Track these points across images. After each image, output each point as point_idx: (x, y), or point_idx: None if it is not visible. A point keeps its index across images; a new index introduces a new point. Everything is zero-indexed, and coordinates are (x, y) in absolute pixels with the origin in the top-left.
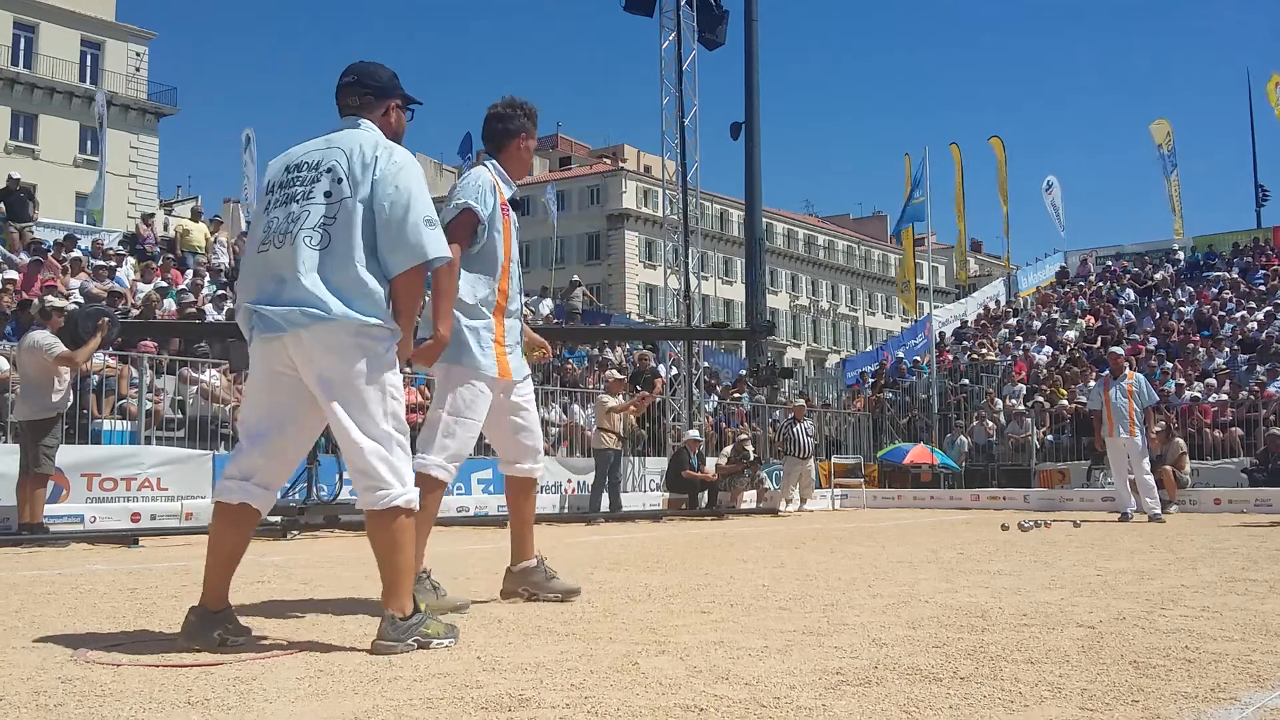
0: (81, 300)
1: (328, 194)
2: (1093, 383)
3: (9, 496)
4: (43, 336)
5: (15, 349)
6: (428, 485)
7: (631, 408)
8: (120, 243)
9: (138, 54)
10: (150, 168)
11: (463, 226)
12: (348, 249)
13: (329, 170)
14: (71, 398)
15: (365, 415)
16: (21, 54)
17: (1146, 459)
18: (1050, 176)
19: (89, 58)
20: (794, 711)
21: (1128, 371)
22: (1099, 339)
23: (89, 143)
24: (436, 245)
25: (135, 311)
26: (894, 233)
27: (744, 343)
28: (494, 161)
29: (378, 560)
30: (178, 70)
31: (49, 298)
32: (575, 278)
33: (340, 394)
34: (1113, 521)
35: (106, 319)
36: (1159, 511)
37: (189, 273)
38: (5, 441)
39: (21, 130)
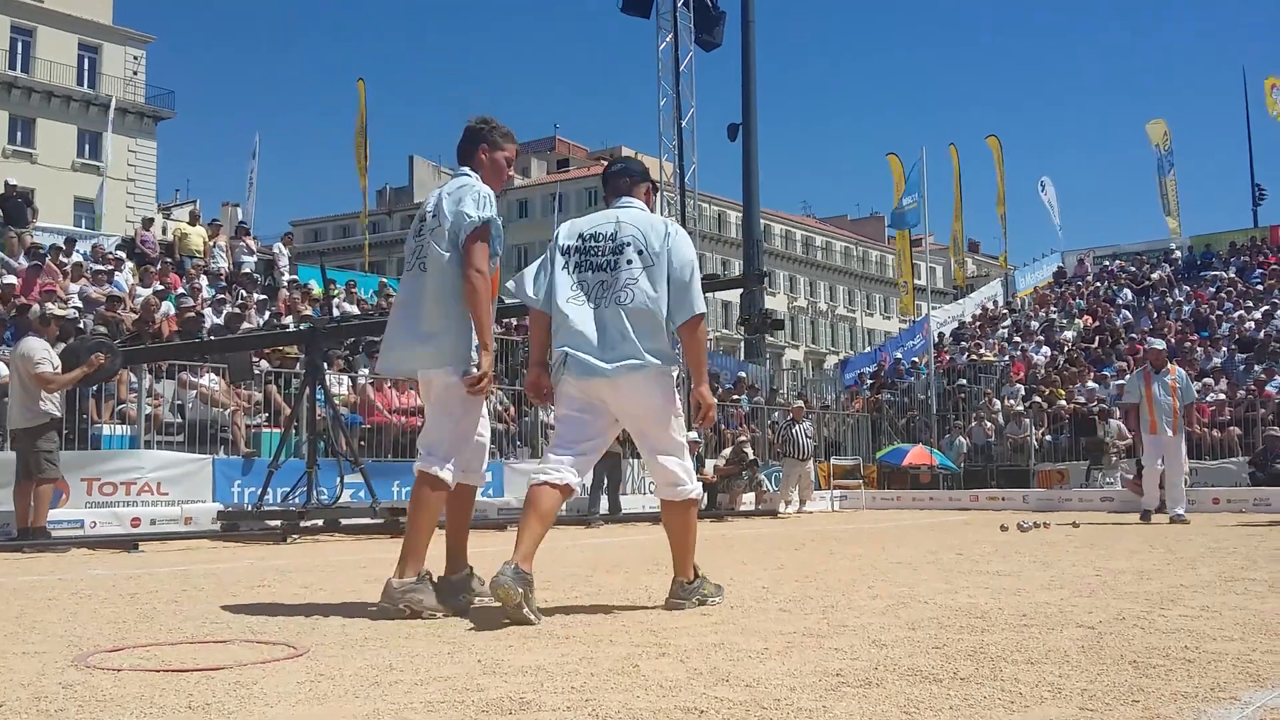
0: (80, 305)
1: (630, 262)
2: (1124, 379)
3: (9, 502)
4: (34, 347)
5: (10, 355)
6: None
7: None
8: (118, 247)
9: (135, 58)
10: (148, 171)
11: (494, 239)
12: (648, 307)
13: (628, 243)
14: (61, 406)
15: (666, 434)
16: (19, 58)
17: (1185, 459)
18: (1044, 176)
19: (87, 61)
20: (794, 713)
21: (1170, 366)
22: (1096, 339)
23: (87, 146)
24: (703, 303)
25: (134, 315)
26: (891, 233)
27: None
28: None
29: (671, 538)
30: (176, 74)
31: (49, 305)
32: None
33: (647, 421)
34: (1112, 523)
35: (103, 354)
36: (1182, 513)
37: (186, 276)
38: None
39: (20, 134)
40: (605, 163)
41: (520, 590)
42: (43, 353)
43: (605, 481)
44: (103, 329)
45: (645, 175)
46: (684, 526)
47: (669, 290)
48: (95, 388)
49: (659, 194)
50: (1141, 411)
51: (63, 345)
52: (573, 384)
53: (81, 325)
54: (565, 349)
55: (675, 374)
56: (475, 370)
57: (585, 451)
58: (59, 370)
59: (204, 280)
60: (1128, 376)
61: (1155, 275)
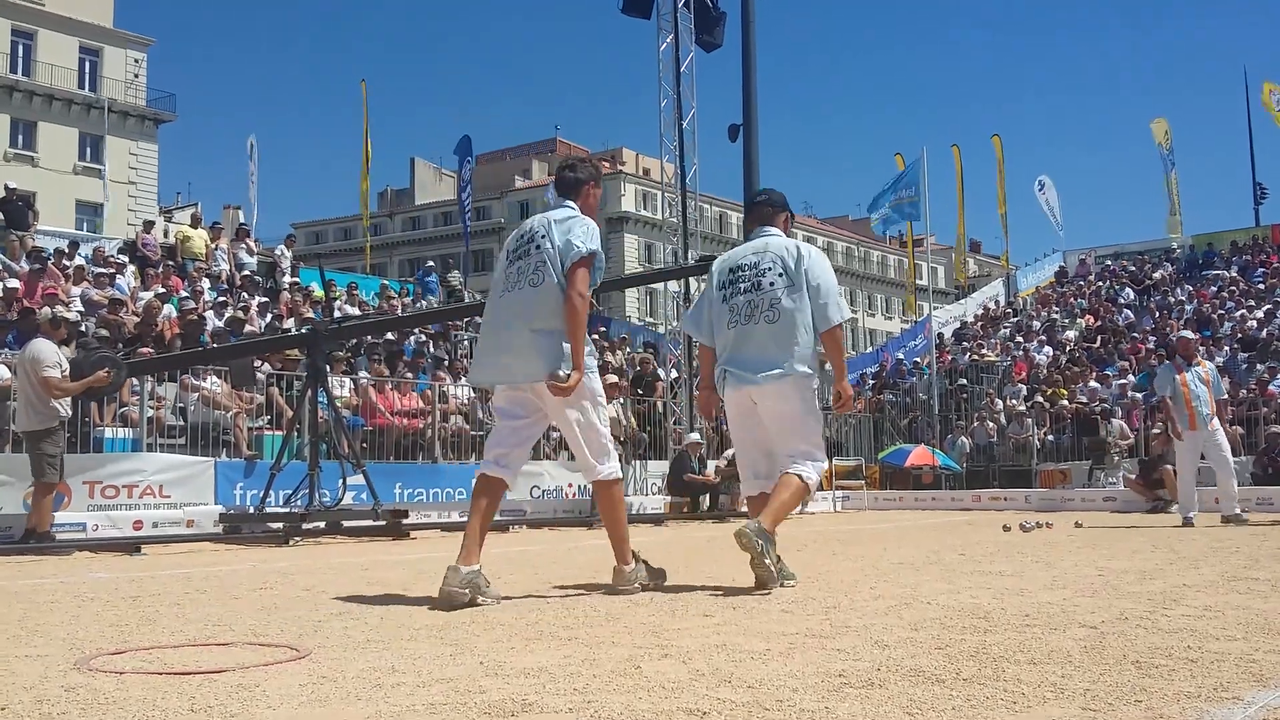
0: (82, 309)
1: (772, 284)
2: (1156, 366)
3: (10, 505)
4: (43, 350)
5: (18, 357)
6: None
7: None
8: (120, 250)
9: (136, 60)
10: (150, 174)
11: (596, 269)
12: (791, 321)
13: (770, 267)
14: (68, 406)
15: (799, 436)
16: (20, 61)
17: (1226, 451)
18: (1042, 176)
19: (88, 65)
20: (796, 714)
21: (1199, 358)
22: (1099, 338)
23: (88, 150)
24: (844, 311)
25: (136, 318)
26: (880, 232)
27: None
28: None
29: (773, 503)
30: (176, 77)
31: (58, 308)
32: None
33: (784, 422)
34: (1115, 525)
35: (109, 369)
36: (1239, 511)
37: (188, 279)
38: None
39: (21, 138)
40: (605, 164)
41: (760, 543)
42: (52, 356)
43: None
44: (105, 332)
45: (784, 205)
46: (788, 504)
47: (810, 304)
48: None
49: (660, 195)
50: (1177, 407)
51: (66, 349)
52: (730, 395)
53: (84, 329)
54: (723, 368)
55: (813, 381)
56: (562, 381)
57: (762, 473)
58: (67, 374)
59: (206, 283)
60: (1157, 369)
61: (1157, 274)
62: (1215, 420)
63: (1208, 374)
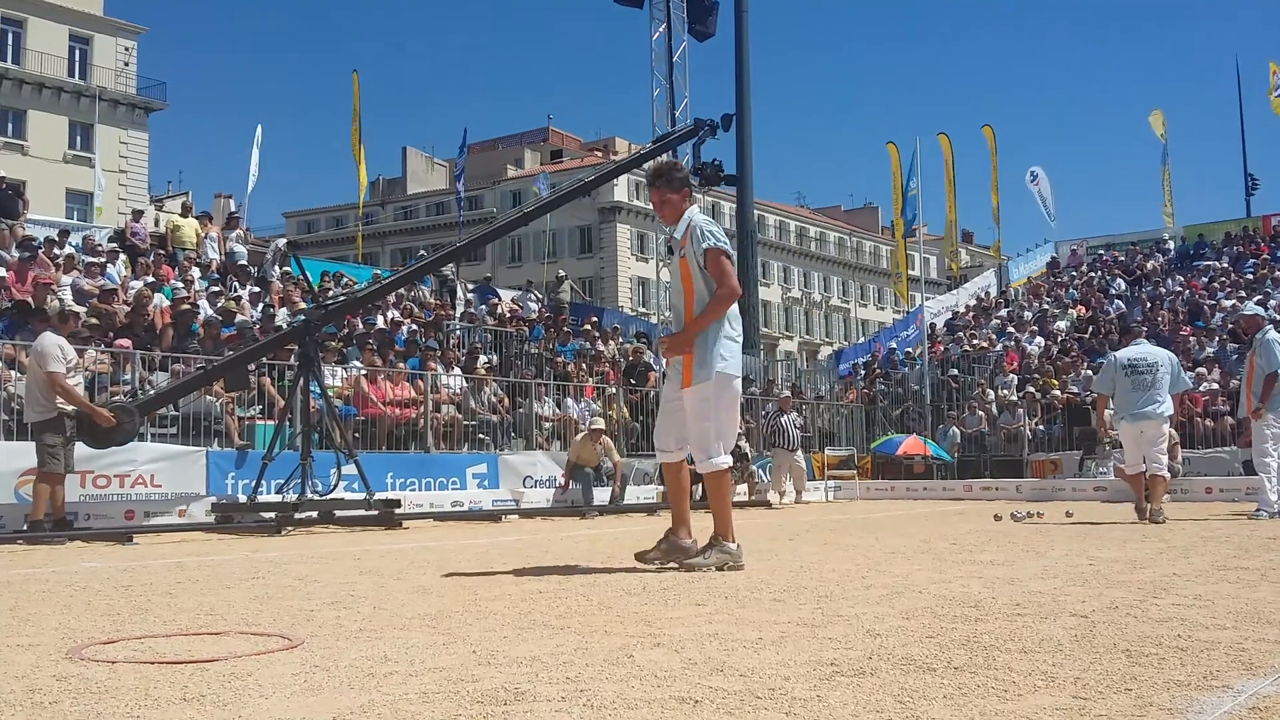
0: (64, 297)
1: (1155, 374)
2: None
3: (5, 494)
4: (49, 345)
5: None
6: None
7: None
8: (110, 239)
9: (127, 49)
10: (140, 163)
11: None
12: (1167, 397)
13: (1159, 365)
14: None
15: (1159, 444)
16: (9, 49)
17: (1265, 443)
18: (1035, 167)
19: (78, 53)
20: (789, 702)
21: (1264, 331)
22: (1090, 329)
23: (78, 138)
24: (1186, 386)
25: (127, 308)
26: (907, 230)
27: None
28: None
29: (1151, 491)
30: (167, 65)
31: (68, 302)
32: (561, 272)
33: (1150, 438)
34: (1105, 515)
35: (119, 415)
36: (1259, 509)
37: (179, 269)
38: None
39: (10, 126)
40: (598, 154)
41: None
42: (56, 351)
43: (591, 487)
44: (95, 320)
45: (1137, 328)
46: (1159, 489)
47: (1173, 385)
48: (89, 380)
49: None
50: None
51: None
52: (1130, 426)
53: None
54: (1124, 414)
55: (1169, 420)
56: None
57: (1138, 463)
58: (73, 365)
59: (196, 272)
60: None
61: (1149, 265)
62: (1252, 402)
63: (1253, 352)
